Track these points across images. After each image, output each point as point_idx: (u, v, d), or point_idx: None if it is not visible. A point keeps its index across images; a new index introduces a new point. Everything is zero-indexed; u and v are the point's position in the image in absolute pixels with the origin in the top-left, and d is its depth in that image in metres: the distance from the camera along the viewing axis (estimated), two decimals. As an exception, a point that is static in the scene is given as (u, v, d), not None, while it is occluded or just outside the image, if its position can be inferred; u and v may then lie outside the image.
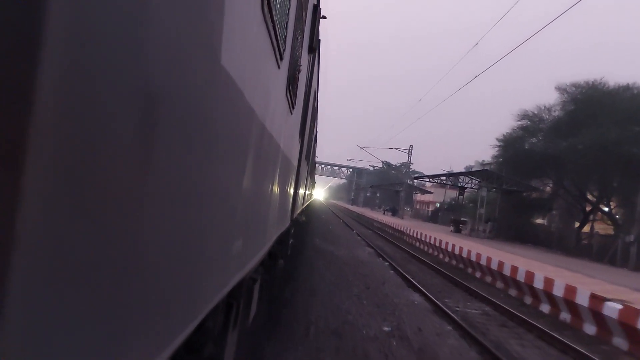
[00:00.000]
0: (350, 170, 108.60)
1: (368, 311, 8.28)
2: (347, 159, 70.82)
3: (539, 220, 35.23)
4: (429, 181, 50.03)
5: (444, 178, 36.01)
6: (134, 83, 0.70)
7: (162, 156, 0.85)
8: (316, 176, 63.00)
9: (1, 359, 0.47)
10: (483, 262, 14.32)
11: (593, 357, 6.99)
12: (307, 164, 9.77)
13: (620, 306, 8.26)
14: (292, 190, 5.45)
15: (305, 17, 4.01)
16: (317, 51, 6.60)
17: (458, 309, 9.70)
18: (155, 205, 0.85)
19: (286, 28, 2.56)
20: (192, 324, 1.23)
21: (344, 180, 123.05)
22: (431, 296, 10.15)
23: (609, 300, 8.62)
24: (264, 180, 2.46)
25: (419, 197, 70.45)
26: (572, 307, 9.42)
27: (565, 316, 9.69)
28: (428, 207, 67.07)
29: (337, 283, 10.59)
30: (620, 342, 8.15)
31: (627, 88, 27.28)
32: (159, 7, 0.74)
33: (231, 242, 1.66)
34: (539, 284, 10.71)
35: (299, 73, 3.75)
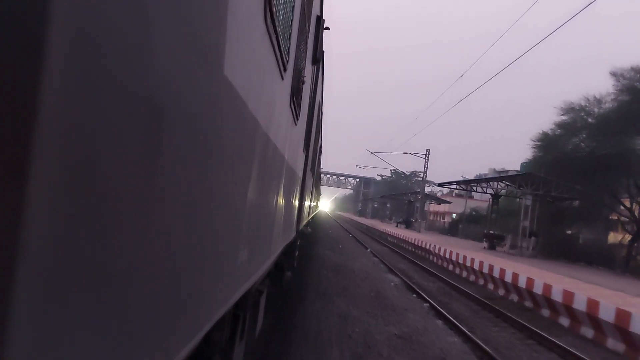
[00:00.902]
0: (357, 180, 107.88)
1: None
2: (357, 165, 69.49)
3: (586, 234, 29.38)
4: (443, 190, 46.46)
5: (474, 184, 30.94)
6: (139, 95, 0.71)
7: (167, 167, 0.85)
8: (322, 187, 62.19)
9: None
10: (557, 297, 10.35)
11: None
12: (312, 175, 9.75)
13: None
14: (297, 202, 5.44)
15: (309, 28, 4.04)
16: (321, 62, 6.63)
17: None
18: (160, 215, 0.85)
19: (289, 39, 2.58)
20: (198, 334, 1.22)
21: (350, 191, 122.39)
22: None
23: None
24: (269, 191, 2.46)
25: (432, 207, 63.85)
26: None
27: None
28: (443, 218, 62.34)
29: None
30: None
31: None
32: (162, 17, 0.75)
33: (236, 252, 1.66)
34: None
35: (303, 84, 3.76)
